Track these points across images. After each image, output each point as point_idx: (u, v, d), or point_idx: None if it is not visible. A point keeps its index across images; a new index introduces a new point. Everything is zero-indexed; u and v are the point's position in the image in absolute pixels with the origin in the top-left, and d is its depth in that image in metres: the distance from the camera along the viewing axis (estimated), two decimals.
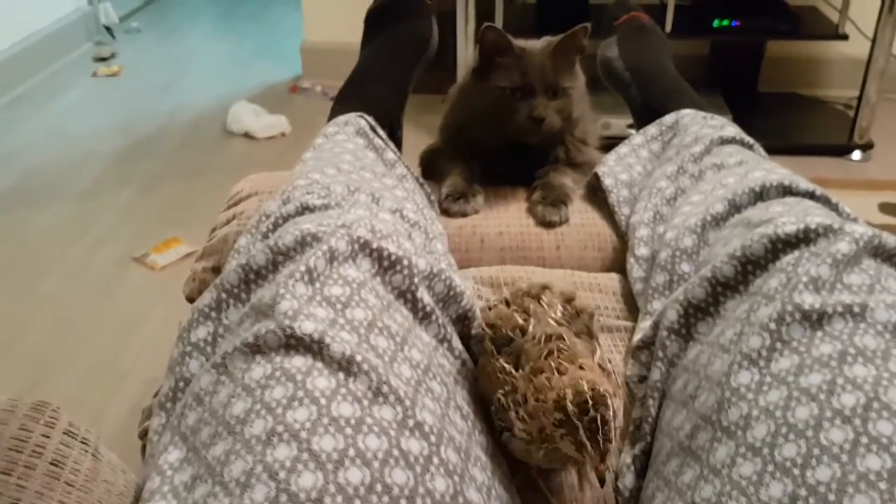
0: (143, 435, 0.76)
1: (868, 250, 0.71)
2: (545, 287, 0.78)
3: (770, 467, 0.58)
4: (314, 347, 0.64)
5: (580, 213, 1.13)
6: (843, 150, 2.38)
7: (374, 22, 1.41)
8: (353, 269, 0.73)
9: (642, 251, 0.99)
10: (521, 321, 0.73)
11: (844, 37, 2.38)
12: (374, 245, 0.75)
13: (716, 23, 2.32)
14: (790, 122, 2.50)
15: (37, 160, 2.47)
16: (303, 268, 0.70)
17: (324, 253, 0.72)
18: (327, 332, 0.65)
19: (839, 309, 0.65)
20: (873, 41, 2.25)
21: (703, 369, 0.71)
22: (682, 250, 0.90)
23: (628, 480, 0.74)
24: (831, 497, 0.55)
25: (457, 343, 0.78)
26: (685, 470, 0.64)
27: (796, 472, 0.57)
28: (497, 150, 1.17)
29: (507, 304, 0.77)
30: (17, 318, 1.77)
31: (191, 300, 1.05)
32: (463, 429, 0.67)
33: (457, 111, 1.23)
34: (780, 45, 2.67)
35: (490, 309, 0.78)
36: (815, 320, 0.65)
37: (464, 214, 1.12)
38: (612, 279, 1.03)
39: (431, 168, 1.23)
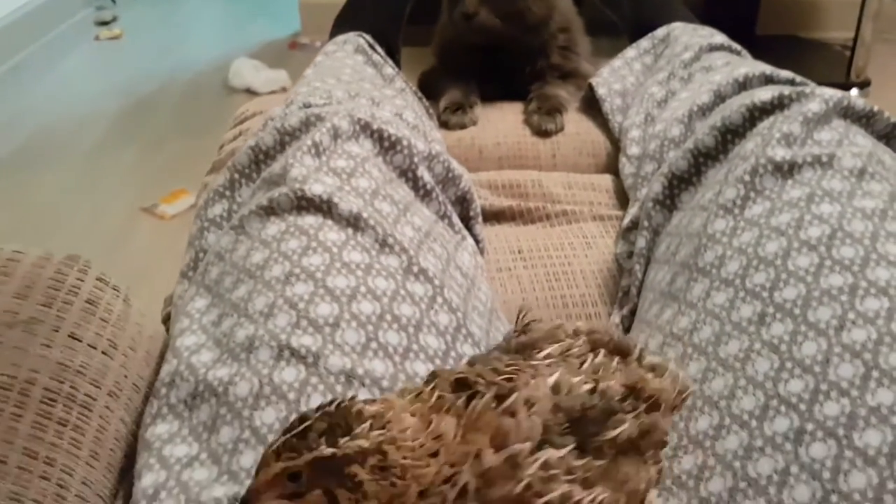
0: (167, 319, 0.82)
1: (837, 111, 0.76)
2: (555, 332, 0.53)
3: (741, 293, 0.64)
4: (324, 207, 0.69)
5: (575, 123, 1.18)
6: (840, 88, 2.40)
7: None
8: (357, 147, 0.78)
9: (633, 150, 1.04)
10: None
11: None
12: (375, 126, 0.80)
13: None
14: (788, 64, 2.49)
15: (41, 122, 2.51)
16: (309, 142, 0.75)
17: (328, 130, 0.77)
18: (335, 194, 0.70)
19: (808, 159, 0.70)
20: None
21: (685, 229, 0.76)
22: (671, 139, 0.95)
23: None
24: (797, 311, 0.60)
25: (456, 220, 0.83)
26: (665, 311, 0.70)
27: (765, 294, 0.62)
28: (481, 60, 1.21)
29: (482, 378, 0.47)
30: None
31: None
32: (462, 283, 0.72)
33: (439, 22, 1.28)
34: None
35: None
36: (786, 170, 0.70)
37: (462, 126, 1.16)
38: (606, 179, 1.08)
39: (429, 88, 1.28)
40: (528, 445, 0.41)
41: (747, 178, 0.71)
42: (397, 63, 1.31)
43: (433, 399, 0.45)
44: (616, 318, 0.81)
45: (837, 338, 0.58)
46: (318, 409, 0.43)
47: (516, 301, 0.84)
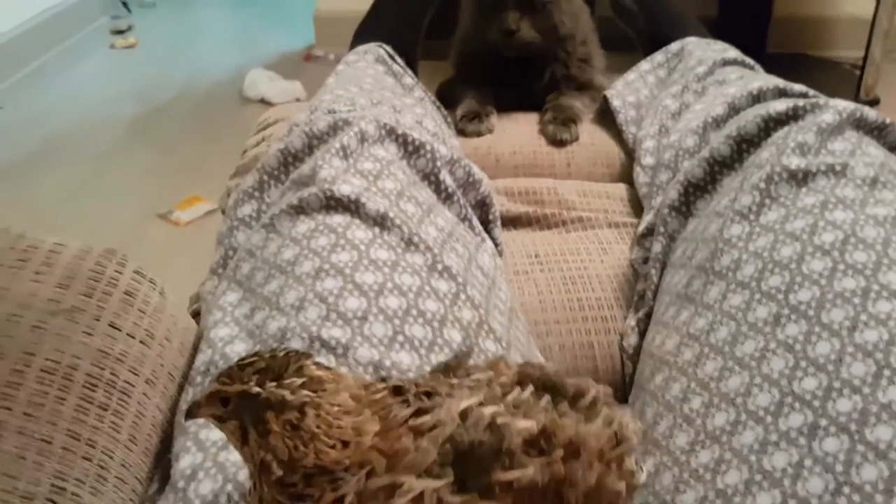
0: (195, 314, 0.84)
1: (851, 122, 0.78)
2: (495, 361, 0.54)
3: (757, 295, 0.66)
4: (352, 207, 0.72)
5: (590, 134, 1.21)
6: None
7: None
8: (382, 150, 0.81)
9: (648, 160, 1.06)
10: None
11: None
12: (400, 131, 0.83)
13: None
14: (799, 81, 2.55)
15: (57, 126, 2.55)
16: (337, 145, 0.78)
17: (356, 134, 0.80)
18: (363, 194, 0.72)
19: (822, 168, 0.73)
20: (878, 0, 2.30)
21: (700, 234, 0.78)
22: (685, 149, 0.97)
23: (632, 340, 0.81)
24: (811, 312, 0.62)
25: (476, 223, 0.85)
26: (681, 312, 0.72)
27: (780, 296, 0.64)
28: (500, 70, 1.24)
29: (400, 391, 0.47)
30: None
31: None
32: (484, 282, 0.75)
33: (460, 31, 1.31)
34: (788, 4, 2.72)
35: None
36: (801, 178, 0.73)
37: (479, 134, 1.19)
38: (620, 188, 1.10)
39: (447, 98, 1.30)
40: (409, 478, 0.41)
41: (762, 185, 0.73)
42: (415, 73, 1.34)
43: (377, 395, 0.44)
44: (632, 322, 0.83)
45: (850, 338, 0.60)
46: (271, 350, 0.44)
47: (533, 303, 0.87)
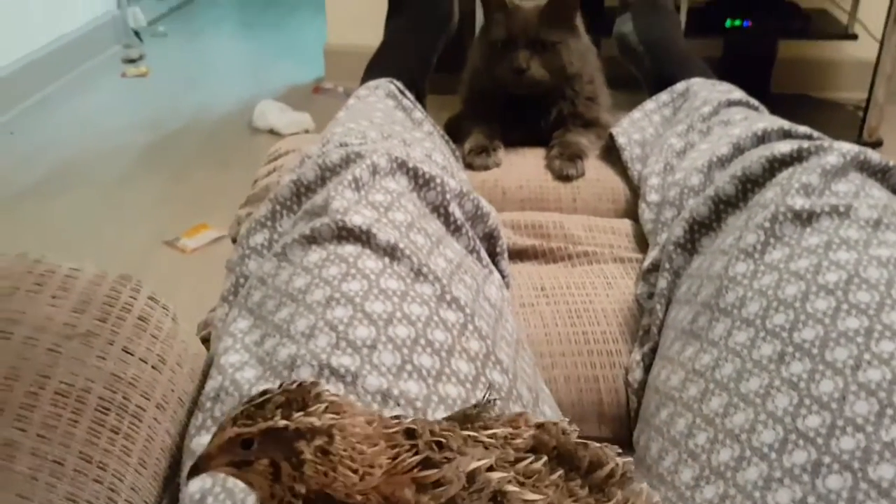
0: (205, 340, 0.85)
1: (854, 164, 0.80)
2: (515, 418, 0.49)
3: (762, 333, 0.67)
4: (363, 237, 0.73)
5: (595, 170, 1.22)
6: None
7: (398, 2, 1.51)
8: (393, 183, 0.82)
9: (653, 197, 1.07)
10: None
11: (854, 37, 2.46)
12: (410, 164, 0.84)
13: (728, 23, 2.40)
14: (802, 122, 2.58)
15: (67, 152, 2.58)
16: (350, 177, 0.79)
17: (367, 167, 0.81)
18: (374, 225, 0.74)
19: (826, 209, 0.74)
20: (881, 44, 2.34)
21: (706, 271, 0.79)
22: (690, 188, 0.99)
23: (637, 374, 0.82)
24: (815, 351, 0.63)
25: (484, 255, 0.86)
26: (687, 348, 0.73)
27: (785, 335, 0.65)
28: (508, 106, 1.27)
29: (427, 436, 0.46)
30: None
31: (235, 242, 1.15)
32: (491, 314, 0.76)
33: (469, 68, 1.34)
34: (792, 46, 2.75)
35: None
36: (805, 219, 0.74)
37: (486, 168, 1.21)
38: (625, 223, 1.11)
39: (455, 133, 1.32)
40: None
41: (767, 224, 0.75)
42: (424, 107, 1.36)
43: (390, 430, 0.44)
44: (637, 356, 0.83)
45: (854, 377, 0.60)
46: (280, 385, 0.44)
47: (539, 335, 0.87)
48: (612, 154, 1.24)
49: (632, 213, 1.15)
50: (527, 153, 1.27)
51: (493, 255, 0.90)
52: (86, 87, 3.08)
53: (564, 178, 1.19)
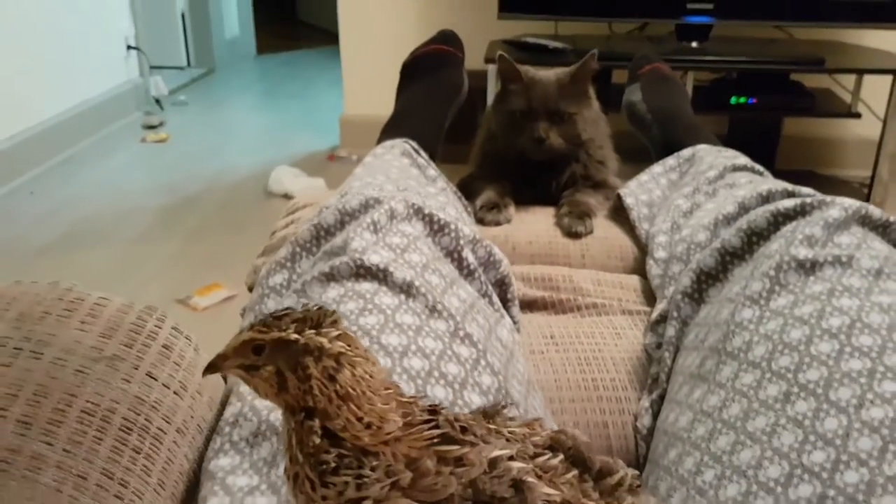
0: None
1: (856, 218, 0.83)
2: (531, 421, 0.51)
3: (767, 375, 0.68)
4: (380, 275, 0.76)
5: (604, 228, 1.25)
6: None
7: (410, 71, 1.57)
8: (409, 227, 0.85)
9: (660, 254, 1.10)
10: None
11: (857, 115, 2.52)
12: (426, 211, 0.88)
13: (733, 99, 2.47)
14: None
15: (86, 212, 2.64)
16: (368, 220, 0.83)
17: (385, 211, 0.84)
18: (391, 264, 0.77)
19: (829, 259, 0.76)
20: (884, 123, 2.40)
21: (713, 319, 0.81)
22: (697, 243, 1.01)
23: (646, 421, 0.83)
24: (819, 391, 0.65)
25: (496, 300, 0.89)
26: (694, 391, 0.74)
27: (790, 376, 0.67)
28: (521, 169, 1.31)
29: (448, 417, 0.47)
30: None
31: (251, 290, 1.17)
32: (503, 353, 0.78)
33: (483, 134, 1.40)
34: (797, 124, 2.81)
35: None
36: (809, 268, 0.76)
37: (497, 223, 1.24)
38: (633, 279, 1.14)
39: (467, 191, 1.36)
40: None
41: (772, 273, 0.77)
42: None
43: (403, 399, 0.45)
44: (646, 403, 0.85)
45: (857, 415, 0.62)
46: (303, 305, 0.46)
47: (549, 381, 0.89)
48: (619, 215, 1.27)
49: (640, 270, 1.17)
50: (537, 211, 1.30)
51: (505, 302, 0.92)
52: (107, 150, 3.16)
53: (573, 234, 1.22)
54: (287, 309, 0.45)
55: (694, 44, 2.47)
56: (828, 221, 0.81)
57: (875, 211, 0.84)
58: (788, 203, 0.86)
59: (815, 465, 0.60)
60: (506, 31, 2.59)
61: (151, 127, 3.40)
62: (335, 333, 0.43)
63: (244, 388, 0.68)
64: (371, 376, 0.44)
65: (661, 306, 0.97)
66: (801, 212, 0.85)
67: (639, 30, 2.66)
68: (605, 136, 1.38)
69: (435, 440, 0.43)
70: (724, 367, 0.73)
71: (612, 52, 2.20)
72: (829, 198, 0.86)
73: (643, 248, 1.19)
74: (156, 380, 0.66)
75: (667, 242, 1.11)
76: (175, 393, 0.67)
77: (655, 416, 0.83)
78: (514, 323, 0.92)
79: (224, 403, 0.71)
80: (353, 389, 0.43)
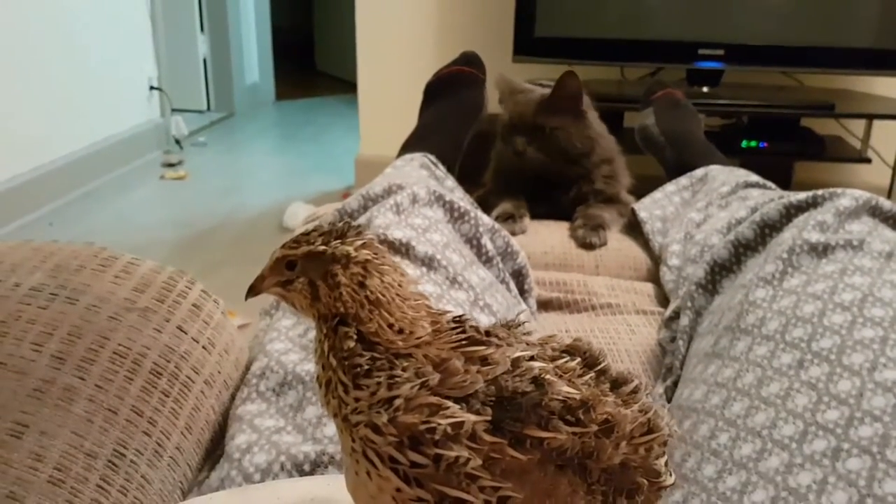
0: None
1: (867, 209, 0.85)
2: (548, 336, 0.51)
3: (781, 345, 0.70)
4: (402, 249, 0.78)
5: (617, 240, 1.28)
6: None
7: (433, 91, 1.61)
8: (431, 211, 0.88)
9: (674, 262, 1.12)
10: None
11: (867, 160, 2.54)
12: (447, 198, 0.90)
13: (744, 143, 2.50)
14: None
15: (103, 243, 2.65)
16: (391, 202, 0.85)
17: (408, 195, 0.87)
18: (413, 239, 0.79)
19: (841, 242, 0.78)
20: (894, 169, 2.43)
21: (727, 304, 0.83)
22: (710, 246, 1.03)
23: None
24: (832, 357, 0.66)
25: (514, 288, 0.91)
26: (709, 367, 0.75)
27: (803, 345, 0.68)
28: (531, 184, 1.35)
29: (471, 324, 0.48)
30: None
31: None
32: None
33: (496, 152, 1.45)
34: (807, 169, 2.83)
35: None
36: (821, 251, 0.78)
37: (512, 234, 1.26)
38: (647, 286, 1.16)
39: (483, 206, 1.39)
40: (454, 405, 0.42)
41: (785, 255, 0.79)
42: None
43: (431, 310, 0.46)
44: (660, 389, 0.86)
45: (870, 377, 0.63)
46: (330, 223, 0.48)
47: None
48: (633, 229, 1.30)
49: (654, 280, 1.19)
50: (551, 224, 1.33)
51: (521, 292, 0.94)
52: (126, 186, 3.22)
53: (587, 245, 1.24)
54: (314, 227, 0.48)
55: (705, 88, 2.52)
56: (839, 210, 0.83)
57: (885, 202, 0.86)
58: (801, 196, 0.89)
59: (830, 422, 0.61)
60: (521, 74, 2.64)
61: (171, 165, 3.46)
62: (360, 242, 0.46)
63: (270, 347, 0.70)
64: (400, 285, 0.46)
65: (674, 304, 0.99)
66: (812, 203, 0.88)
67: (651, 75, 2.72)
68: (614, 152, 1.41)
69: (463, 342, 0.45)
70: (737, 342, 0.74)
71: (624, 95, 2.25)
72: (839, 189, 0.89)
73: (656, 260, 1.21)
74: (186, 333, 0.67)
75: (680, 251, 1.13)
76: (203, 347, 0.68)
77: (669, 401, 0.84)
78: (532, 313, 0.93)
79: (248, 366, 0.73)
80: (383, 295, 0.45)
